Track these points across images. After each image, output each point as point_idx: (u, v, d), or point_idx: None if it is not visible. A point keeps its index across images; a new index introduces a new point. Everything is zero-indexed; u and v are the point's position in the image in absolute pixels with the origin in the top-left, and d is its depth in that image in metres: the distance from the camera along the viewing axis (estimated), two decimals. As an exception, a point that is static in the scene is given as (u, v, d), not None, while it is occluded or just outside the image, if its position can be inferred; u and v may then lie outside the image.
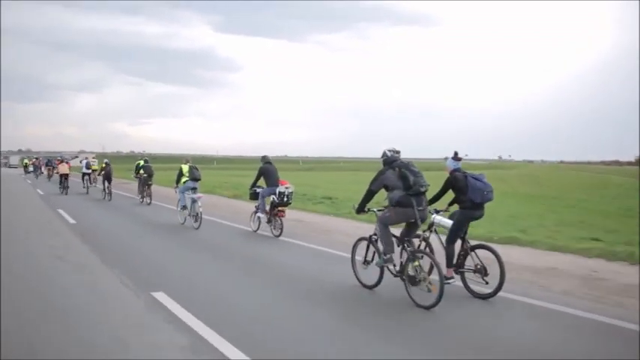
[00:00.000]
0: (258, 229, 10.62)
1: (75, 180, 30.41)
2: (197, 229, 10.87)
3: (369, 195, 5.94)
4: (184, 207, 11.58)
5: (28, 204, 16.78)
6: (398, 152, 5.93)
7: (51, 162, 35.24)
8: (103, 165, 19.60)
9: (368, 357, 4.04)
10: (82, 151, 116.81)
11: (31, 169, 43.83)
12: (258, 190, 10.65)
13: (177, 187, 11.93)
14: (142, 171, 17.29)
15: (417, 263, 5.50)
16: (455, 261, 6.09)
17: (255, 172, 10.68)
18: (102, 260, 7.46)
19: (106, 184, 18.60)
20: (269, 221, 10.22)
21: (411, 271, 5.55)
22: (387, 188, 5.79)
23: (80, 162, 25.73)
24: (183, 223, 11.66)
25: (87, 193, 21.47)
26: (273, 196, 10.07)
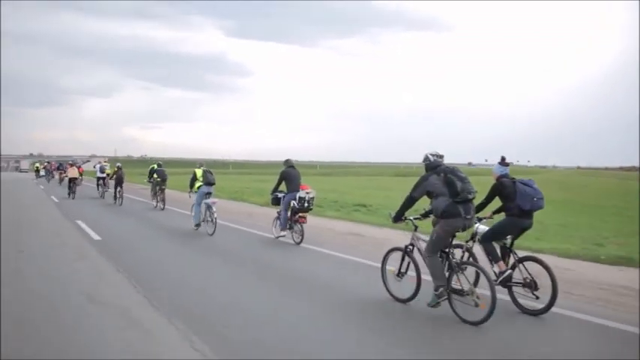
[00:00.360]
0: (280, 235, 10.14)
1: (88, 185, 30.36)
2: (211, 235, 10.46)
3: (410, 202, 5.46)
4: (197, 226, 11.17)
5: (44, 215, 14.46)
6: (441, 156, 5.48)
7: (62, 166, 35.08)
8: (115, 169, 19.43)
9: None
10: (94, 155, 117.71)
11: (42, 173, 43.82)
12: (279, 194, 10.20)
13: (190, 191, 11.50)
14: (155, 175, 16.94)
15: (462, 275, 5.04)
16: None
17: (277, 177, 10.20)
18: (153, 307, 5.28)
19: (118, 188, 18.33)
20: (289, 228, 9.75)
21: (455, 284, 5.08)
22: (429, 195, 5.31)
23: (94, 166, 25.40)
24: (197, 229, 11.24)
25: (102, 197, 21.12)
26: (294, 202, 9.60)
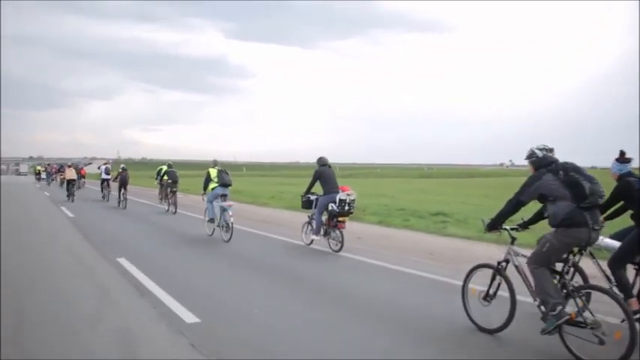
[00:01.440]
0: (312, 242, 8.91)
1: (90, 188, 29.16)
2: (227, 241, 9.19)
3: (515, 208, 4.24)
4: (212, 220, 9.88)
5: (58, 235, 10.37)
6: (551, 150, 4.22)
7: (63, 168, 33.84)
8: (120, 170, 18.28)
9: None
10: (94, 158, 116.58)
11: (43, 175, 42.57)
12: (312, 197, 8.96)
13: (204, 194, 10.23)
14: (165, 177, 15.67)
15: (580, 302, 3.89)
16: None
17: (310, 177, 8.91)
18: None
19: (122, 190, 17.15)
20: (326, 234, 8.51)
21: (574, 314, 3.85)
22: (542, 199, 4.09)
23: (98, 168, 24.15)
24: (211, 235, 9.95)
25: (107, 200, 19.84)
26: (332, 205, 8.32)
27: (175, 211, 14.82)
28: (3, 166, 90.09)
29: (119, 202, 17.11)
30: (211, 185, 9.90)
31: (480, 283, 4.63)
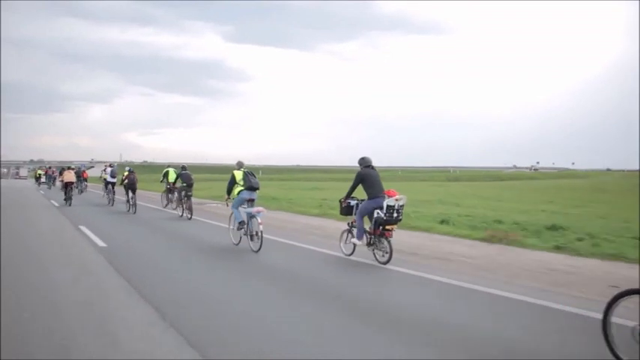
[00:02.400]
0: (352, 253, 7.89)
1: (93, 191, 28.01)
2: (257, 251, 8.14)
3: None
4: (241, 223, 8.72)
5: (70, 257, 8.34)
6: None
7: (64, 171, 32.74)
8: (126, 173, 17.29)
9: None
10: (93, 160, 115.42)
11: (43, 179, 41.42)
12: (352, 202, 7.95)
13: (228, 198, 9.20)
14: (179, 180, 14.58)
15: None
16: None
17: (352, 180, 7.80)
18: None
19: (130, 194, 16.09)
20: (371, 244, 7.48)
21: None
22: None
23: (104, 170, 22.89)
24: (237, 244, 8.91)
25: (112, 205, 18.77)
26: (378, 211, 7.30)
27: (191, 217, 13.75)
28: (4, 170, 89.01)
29: (128, 208, 16.10)
30: (236, 189, 8.86)
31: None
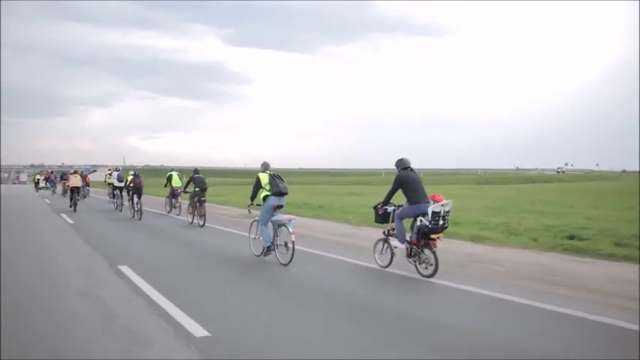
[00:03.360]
0: (389, 264, 7.13)
1: (97, 197, 27.21)
2: (286, 265, 7.34)
3: None
4: (268, 249, 7.86)
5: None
6: None
7: (66, 175, 31.93)
8: (130, 177, 16.58)
9: None
10: (95, 165, 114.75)
11: (42, 184, 40.53)
12: (389, 208, 7.20)
13: (252, 204, 8.26)
14: (191, 184, 13.64)
15: None
16: None
17: (391, 184, 7.02)
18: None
19: (135, 199, 15.35)
20: (412, 255, 6.73)
21: None
22: None
23: (109, 175, 22.05)
24: (259, 256, 8.06)
25: (120, 210, 18.06)
26: (422, 219, 6.55)
27: (203, 224, 12.87)
28: (4, 174, 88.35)
29: (133, 213, 15.37)
30: (262, 194, 7.99)
31: None
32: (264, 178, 7.99)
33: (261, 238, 7.94)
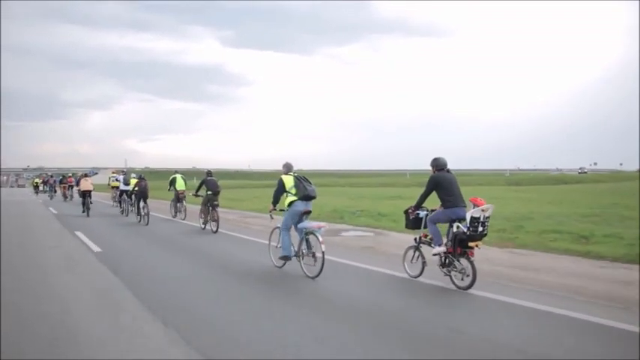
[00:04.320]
0: (420, 274, 6.72)
1: (99, 201, 26.62)
2: (314, 277, 6.69)
3: None
4: (284, 258, 7.31)
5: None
6: None
7: (65, 179, 31.38)
8: (135, 180, 16.28)
9: None
10: (96, 168, 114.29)
11: (41, 188, 40.02)
12: (421, 213, 6.77)
13: (274, 209, 7.59)
14: (203, 188, 13.11)
15: None
16: None
17: (424, 187, 6.51)
18: None
19: (142, 204, 14.96)
20: (446, 264, 6.29)
21: None
22: None
23: (115, 178, 21.65)
24: (281, 267, 7.48)
25: (126, 215, 17.69)
26: (458, 225, 6.13)
27: (216, 230, 12.29)
28: (3, 178, 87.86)
29: (139, 218, 14.95)
30: (288, 199, 7.36)
31: None
32: (288, 180, 7.35)
33: (280, 239, 7.40)
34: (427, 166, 6.73)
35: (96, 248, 9.65)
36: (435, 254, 6.41)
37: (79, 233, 12.15)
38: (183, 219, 15.80)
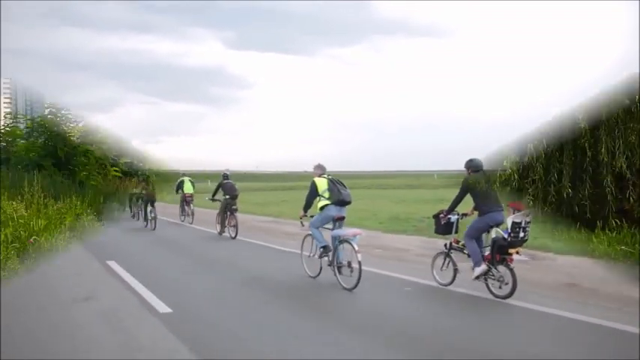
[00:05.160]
0: (452, 282, 6.35)
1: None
2: (351, 289, 6.25)
3: None
4: (325, 249, 6.82)
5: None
6: None
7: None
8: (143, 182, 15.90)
9: None
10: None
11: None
12: (453, 217, 6.42)
13: (305, 215, 7.15)
14: (220, 191, 12.60)
15: None
16: None
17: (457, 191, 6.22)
18: None
19: (149, 207, 14.59)
20: (486, 272, 5.92)
21: None
22: None
23: None
24: (314, 277, 7.02)
25: (137, 219, 16.99)
26: (497, 230, 5.80)
27: (235, 236, 11.74)
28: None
29: (147, 222, 14.59)
30: (320, 203, 6.92)
31: None
32: (321, 183, 6.90)
33: (314, 243, 7.02)
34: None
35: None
36: (476, 277, 5.98)
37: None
38: (191, 223, 15.47)
